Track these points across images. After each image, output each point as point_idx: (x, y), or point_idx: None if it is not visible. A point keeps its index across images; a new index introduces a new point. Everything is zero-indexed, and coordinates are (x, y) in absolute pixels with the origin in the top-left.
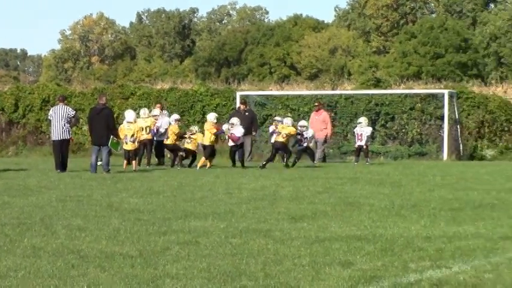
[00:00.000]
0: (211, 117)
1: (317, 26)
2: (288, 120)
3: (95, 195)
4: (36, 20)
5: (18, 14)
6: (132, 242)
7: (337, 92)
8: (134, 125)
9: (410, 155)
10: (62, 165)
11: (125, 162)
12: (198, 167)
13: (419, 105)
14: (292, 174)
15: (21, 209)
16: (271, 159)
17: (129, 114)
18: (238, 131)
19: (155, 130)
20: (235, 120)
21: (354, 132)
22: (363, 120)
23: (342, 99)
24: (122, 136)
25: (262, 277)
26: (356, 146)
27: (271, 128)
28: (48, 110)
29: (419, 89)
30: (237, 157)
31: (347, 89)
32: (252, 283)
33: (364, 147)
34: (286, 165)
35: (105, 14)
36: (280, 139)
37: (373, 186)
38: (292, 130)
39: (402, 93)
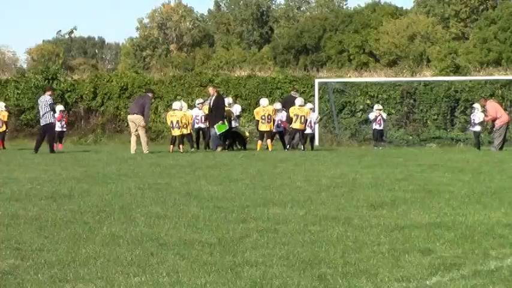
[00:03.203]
0: (265, 102)
1: (396, 13)
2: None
3: (174, 183)
4: (114, 8)
5: (96, 2)
6: (211, 229)
7: (417, 78)
8: (179, 113)
9: (490, 142)
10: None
11: (171, 146)
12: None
13: (500, 91)
14: (371, 161)
15: (100, 197)
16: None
17: (175, 103)
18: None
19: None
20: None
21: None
22: (477, 106)
23: (421, 86)
24: (168, 123)
25: (341, 264)
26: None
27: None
28: (129, 97)
29: (499, 76)
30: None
31: (426, 76)
32: (331, 270)
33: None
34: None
35: (183, 1)
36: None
37: (453, 173)
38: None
39: (482, 80)
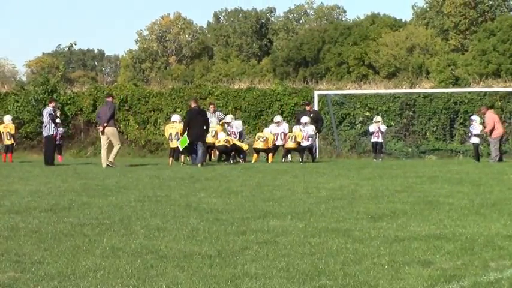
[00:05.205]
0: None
1: (395, 25)
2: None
3: (174, 195)
4: (113, 21)
5: (95, 15)
6: (211, 241)
7: (416, 90)
8: (178, 125)
9: (489, 154)
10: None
11: (170, 159)
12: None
13: (499, 103)
14: (371, 173)
15: (100, 209)
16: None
17: (174, 115)
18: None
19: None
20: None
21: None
22: (475, 118)
23: (420, 98)
24: (167, 135)
25: (341, 276)
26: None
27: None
28: (128, 110)
29: (498, 87)
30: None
31: (425, 88)
32: (331, 282)
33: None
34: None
35: (183, 13)
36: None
37: (453, 185)
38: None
39: (481, 92)
